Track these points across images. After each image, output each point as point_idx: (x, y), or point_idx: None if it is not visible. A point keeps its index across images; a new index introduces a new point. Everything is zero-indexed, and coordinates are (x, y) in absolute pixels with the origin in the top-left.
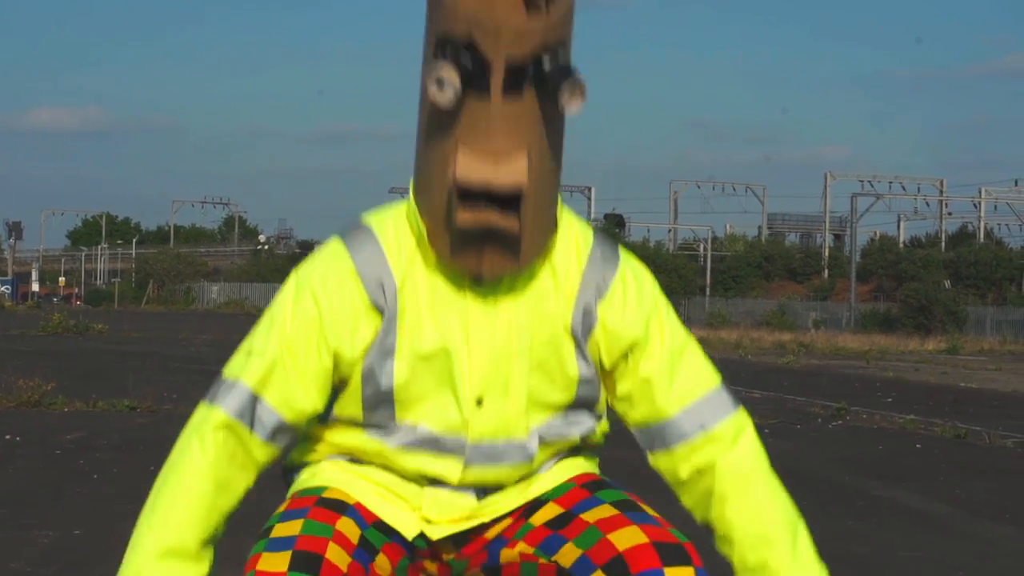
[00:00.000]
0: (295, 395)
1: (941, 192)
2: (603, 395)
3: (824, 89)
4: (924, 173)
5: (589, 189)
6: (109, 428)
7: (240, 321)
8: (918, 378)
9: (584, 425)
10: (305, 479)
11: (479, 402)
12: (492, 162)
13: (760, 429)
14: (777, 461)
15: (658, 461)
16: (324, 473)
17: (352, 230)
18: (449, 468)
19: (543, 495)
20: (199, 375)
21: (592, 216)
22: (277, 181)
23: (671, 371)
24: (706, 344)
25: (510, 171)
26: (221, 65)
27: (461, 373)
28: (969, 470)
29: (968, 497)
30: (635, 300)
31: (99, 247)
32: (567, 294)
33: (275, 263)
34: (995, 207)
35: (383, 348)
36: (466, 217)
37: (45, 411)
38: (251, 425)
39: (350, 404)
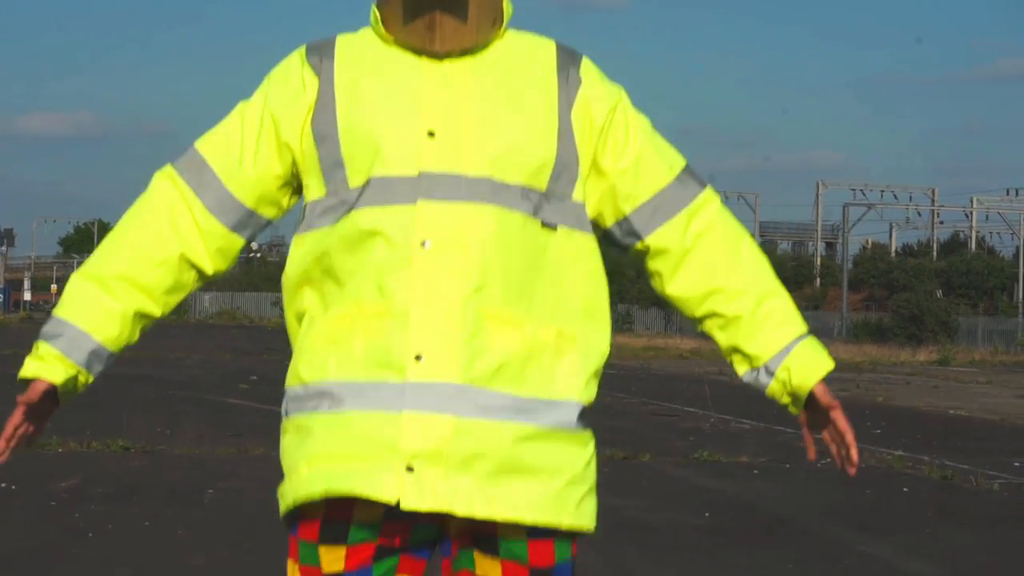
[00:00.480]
0: (237, 160)
1: (933, 201)
2: (584, 191)
3: (817, 94)
4: (916, 178)
5: None
6: (104, 473)
7: (232, 335)
8: (908, 402)
9: (557, 215)
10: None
11: (431, 134)
12: None
13: (749, 470)
14: (766, 510)
15: (659, 238)
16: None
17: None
18: (402, 217)
19: (506, 541)
20: (191, 405)
21: None
22: None
23: (656, 146)
24: (699, 355)
25: None
26: (211, 69)
27: (412, 110)
28: (955, 519)
29: (953, 552)
30: (603, 79)
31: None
32: (543, 73)
33: (267, 271)
34: (986, 216)
35: (324, 108)
36: None
37: (40, 452)
38: (195, 187)
39: (312, 182)
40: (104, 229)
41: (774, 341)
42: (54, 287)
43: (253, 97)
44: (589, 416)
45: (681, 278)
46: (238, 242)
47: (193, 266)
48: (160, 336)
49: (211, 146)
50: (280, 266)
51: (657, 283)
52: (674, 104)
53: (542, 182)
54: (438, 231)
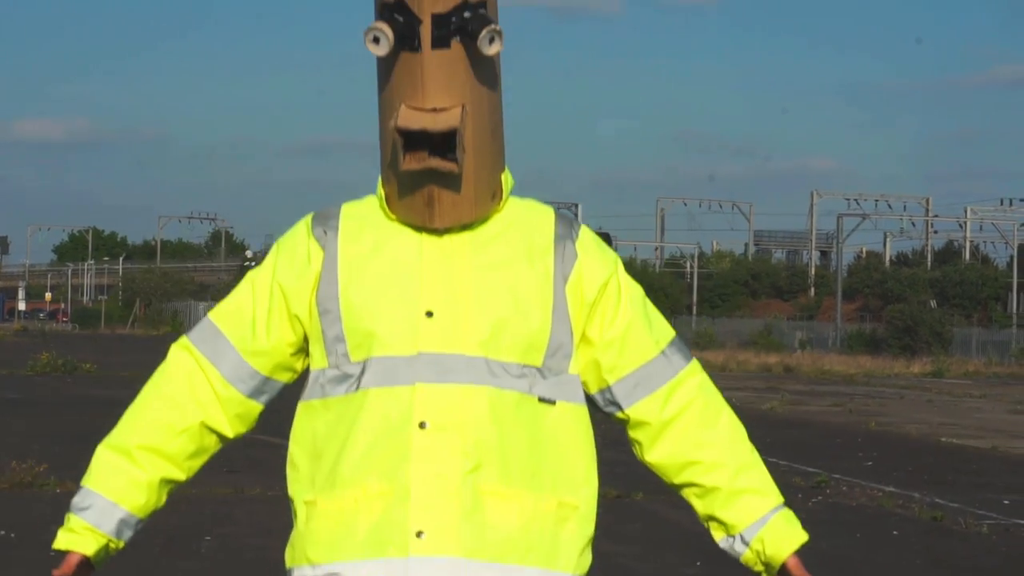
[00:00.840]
0: (250, 331)
1: (927, 211)
2: (579, 364)
3: (812, 100)
4: (911, 185)
5: (576, 206)
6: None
7: None
8: (901, 419)
9: (554, 390)
10: None
11: (429, 314)
12: (430, 112)
13: None
14: None
15: (639, 411)
16: None
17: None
18: (401, 399)
19: None
20: None
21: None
22: (262, 193)
23: (646, 319)
24: None
25: (445, 117)
26: (206, 76)
27: (411, 290)
28: (943, 567)
29: None
30: (601, 251)
31: (85, 263)
32: (541, 248)
33: None
34: (980, 227)
35: (328, 281)
36: (410, 161)
37: (38, 493)
38: (211, 357)
39: (316, 351)
40: (98, 237)
41: (750, 512)
42: (48, 295)
43: (263, 267)
44: None
45: (659, 449)
46: (256, 408)
47: (214, 431)
48: (156, 353)
49: (225, 317)
50: None
51: (637, 451)
52: (668, 111)
53: (537, 359)
54: (435, 412)
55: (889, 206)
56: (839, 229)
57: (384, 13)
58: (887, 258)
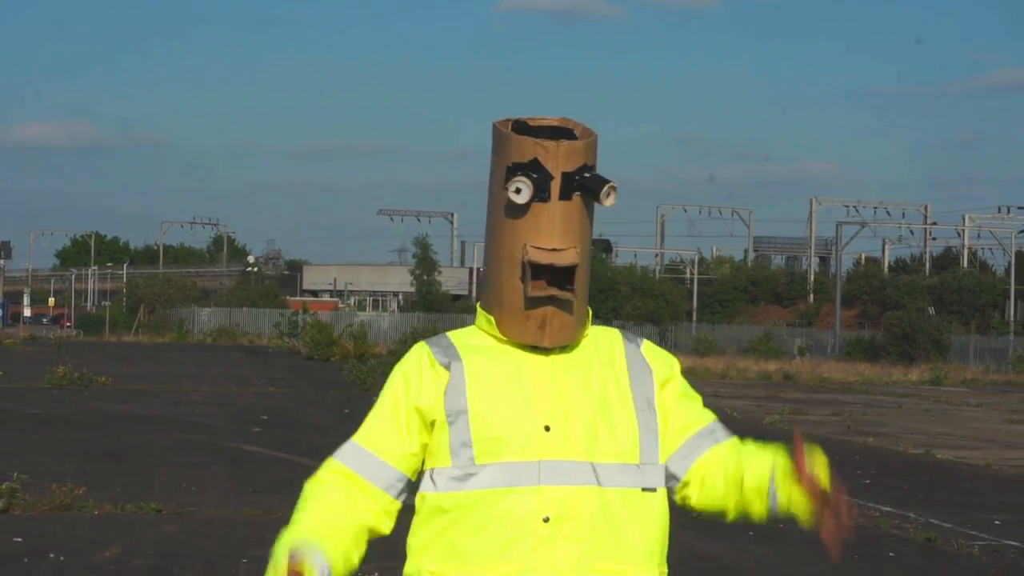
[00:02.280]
0: (390, 440)
1: (925, 218)
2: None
3: (812, 105)
4: (910, 189)
5: None
6: (142, 542)
7: (234, 359)
8: (899, 429)
9: (653, 479)
10: None
11: (547, 428)
12: (552, 251)
13: (745, 530)
14: None
15: (692, 472)
16: None
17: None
18: (527, 498)
19: None
20: (210, 455)
21: None
22: (264, 198)
23: (693, 402)
24: (692, 374)
25: (567, 255)
26: (207, 80)
27: (530, 406)
28: None
29: None
30: (661, 354)
31: (89, 269)
32: (619, 366)
33: (264, 287)
34: (978, 234)
35: (455, 396)
36: (535, 289)
37: (78, 515)
38: (359, 470)
39: (439, 451)
40: (101, 242)
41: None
42: (52, 300)
43: (394, 393)
44: None
45: (724, 496)
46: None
47: (372, 530)
48: (165, 363)
49: (367, 437)
50: (277, 279)
51: (687, 503)
52: (668, 115)
53: (635, 458)
54: (556, 509)
55: (888, 213)
56: (838, 236)
57: (519, 169)
58: (886, 265)
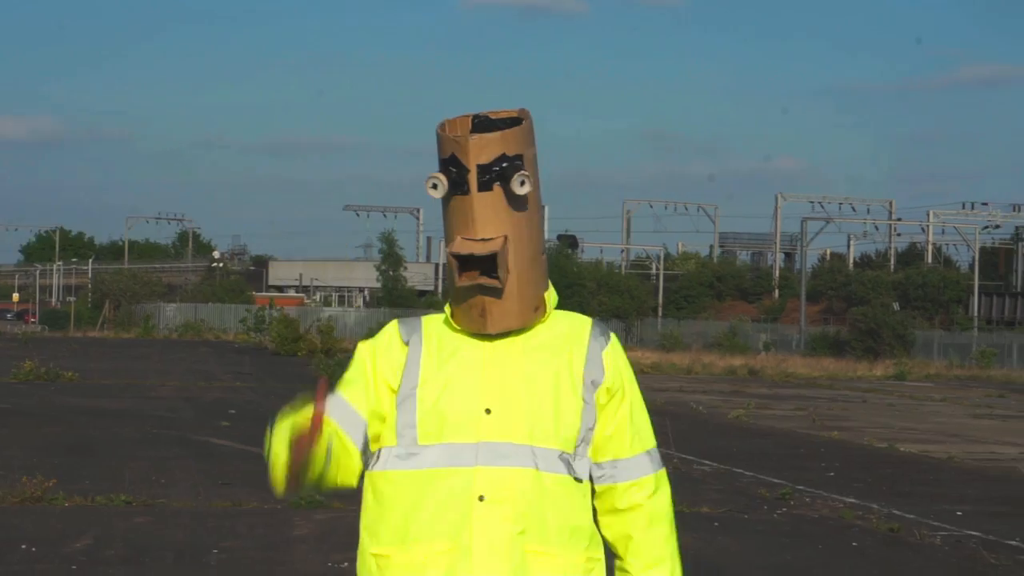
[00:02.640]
0: (361, 396)
1: (890, 214)
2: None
3: (777, 101)
4: (875, 187)
5: (543, 208)
6: (113, 533)
7: (201, 354)
8: (863, 424)
9: (582, 470)
10: None
11: (488, 411)
12: (479, 241)
13: (711, 522)
14: (723, 569)
15: (600, 496)
16: None
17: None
18: (464, 477)
19: None
20: (179, 448)
21: (545, 237)
22: (230, 194)
23: (632, 424)
24: (658, 369)
25: (489, 245)
26: (173, 76)
27: (473, 391)
28: None
29: None
30: (621, 362)
31: (54, 265)
32: (575, 354)
33: (229, 283)
34: (943, 230)
35: (409, 376)
36: (463, 279)
37: (48, 508)
38: (336, 418)
39: (387, 433)
40: (66, 237)
41: None
42: (16, 296)
43: (363, 360)
44: None
45: (606, 527)
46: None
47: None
48: (131, 358)
49: (346, 390)
50: (243, 275)
51: (596, 512)
52: (635, 110)
53: (571, 447)
54: (491, 489)
55: (853, 209)
56: (803, 232)
57: (441, 166)
58: (851, 260)
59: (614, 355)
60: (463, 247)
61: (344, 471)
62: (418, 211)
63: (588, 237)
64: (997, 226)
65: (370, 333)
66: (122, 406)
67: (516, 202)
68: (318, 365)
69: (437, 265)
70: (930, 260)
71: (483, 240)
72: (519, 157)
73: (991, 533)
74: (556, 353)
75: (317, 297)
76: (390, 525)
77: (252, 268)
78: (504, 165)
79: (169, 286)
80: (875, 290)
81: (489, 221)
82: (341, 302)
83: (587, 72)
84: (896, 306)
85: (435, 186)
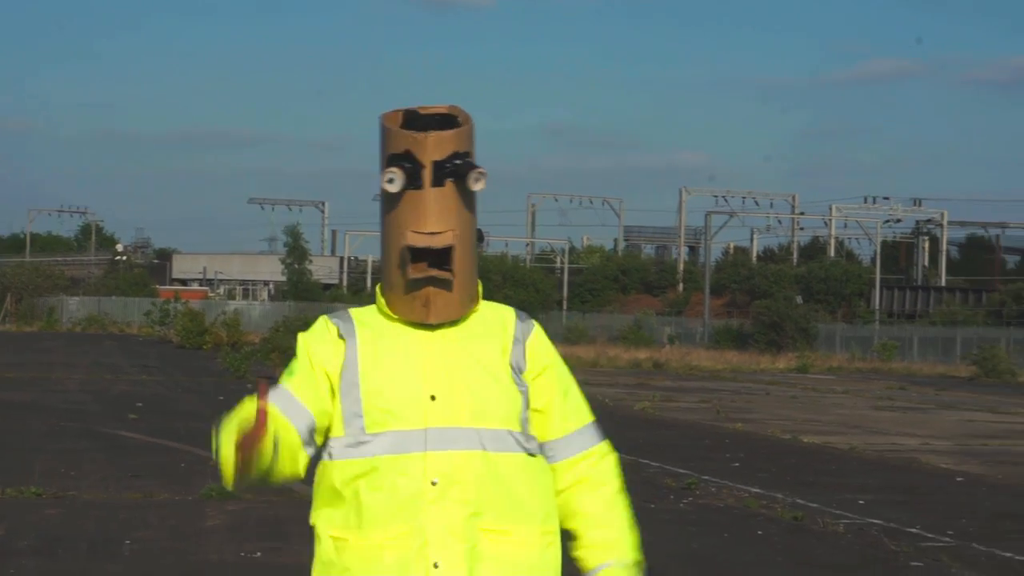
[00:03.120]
0: (307, 390)
1: (793, 208)
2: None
3: (681, 94)
4: (778, 181)
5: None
6: (25, 524)
7: (106, 348)
8: (767, 416)
9: (533, 445)
10: None
11: (432, 398)
12: (430, 234)
13: None
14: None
15: (555, 469)
16: None
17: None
18: (415, 463)
19: None
20: (87, 441)
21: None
22: (134, 186)
23: (566, 402)
24: (564, 363)
25: (442, 238)
26: (75, 67)
27: (417, 378)
28: (803, 566)
29: None
30: (544, 345)
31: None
32: (505, 340)
33: (133, 276)
34: (845, 224)
35: (350, 368)
36: (415, 271)
37: None
38: (281, 408)
39: (335, 423)
40: None
41: (595, 558)
42: None
43: (306, 358)
44: None
45: (559, 507)
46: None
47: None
48: (35, 351)
49: (292, 383)
50: (147, 268)
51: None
52: (539, 104)
53: (518, 426)
54: (443, 473)
55: (756, 203)
56: (707, 226)
57: (394, 160)
58: (754, 254)
59: (537, 340)
60: (417, 240)
61: (291, 463)
62: (323, 204)
63: (493, 231)
64: (898, 220)
65: (276, 326)
66: (28, 399)
67: (466, 198)
68: (225, 358)
69: (342, 258)
70: (832, 254)
71: (433, 234)
72: (468, 154)
73: (892, 521)
74: (490, 340)
75: (221, 290)
76: (344, 511)
77: (156, 261)
78: (458, 162)
79: (72, 279)
80: (778, 283)
81: (440, 216)
82: (246, 295)
83: (492, 65)
84: (799, 299)
85: (391, 180)
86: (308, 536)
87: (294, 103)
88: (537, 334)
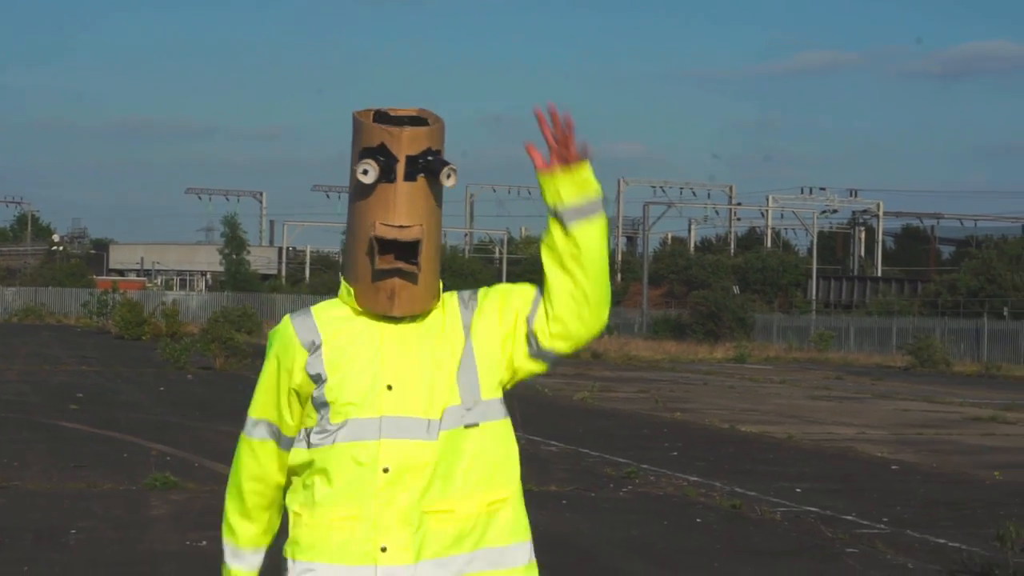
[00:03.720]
0: (275, 410)
1: (730, 199)
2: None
3: (618, 85)
4: (715, 170)
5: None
6: None
7: (44, 338)
8: (704, 405)
9: (476, 415)
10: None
11: (389, 387)
12: (398, 227)
13: (558, 499)
14: (576, 545)
15: (538, 318)
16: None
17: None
18: (369, 450)
19: None
20: (28, 431)
21: None
22: (70, 176)
23: (511, 291)
24: None
25: (411, 231)
26: (10, 55)
27: (376, 369)
28: (742, 552)
29: None
30: (480, 295)
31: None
32: (453, 327)
33: (70, 267)
34: (781, 214)
35: (315, 365)
36: (383, 262)
37: None
38: (259, 437)
39: (308, 412)
40: None
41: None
42: None
43: (271, 372)
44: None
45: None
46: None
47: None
48: None
49: (260, 409)
50: (83, 258)
51: (543, 324)
52: (476, 94)
53: (456, 400)
54: (394, 461)
55: (694, 194)
56: (645, 216)
57: (368, 153)
58: (692, 245)
59: (478, 296)
60: (387, 232)
61: (281, 470)
62: (261, 195)
63: None
64: (835, 211)
65: (214, 316)
66: None
67: (435, 194)
68: (165, 349)
69: (280, 249)
70: (769, 244)
71: (402, 227)
72: (439, 152)
73: (828, 508)
74: (443, 332)
75: (158, 281)
76: (304, 492)
77: (92, 252)
78: (430, 158)
79: (8, 270)
80: (715, 274)
81: (409, 209)
82: (183, 286)
83: (430, 56)
84: (736, 290)
85: (366, 172)
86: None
87: (231, 94)
88: (479, 294)
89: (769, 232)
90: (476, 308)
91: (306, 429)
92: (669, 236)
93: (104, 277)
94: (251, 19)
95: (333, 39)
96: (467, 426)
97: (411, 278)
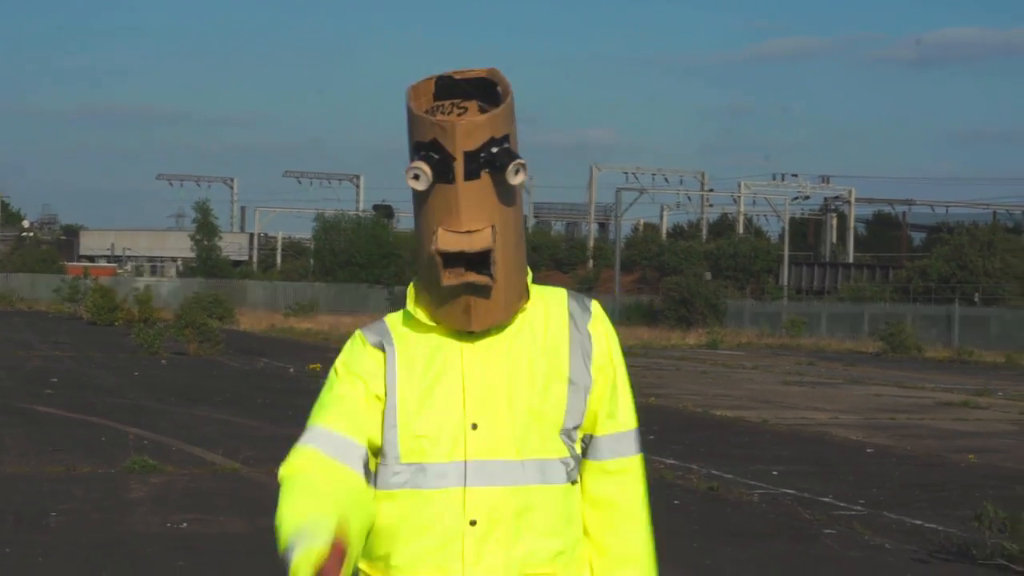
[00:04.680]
0: (352, 420)
1: (702, 185)
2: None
3: (590, 71)
4: (688, 159)
5: (358, 177)
6: None
7: (15, 324)
8: (678, 390)
9: (577, 470)
10: None
11: (474, 426)
12: (465, 234)
13: None
14: None
15: (583, 467)
16: None
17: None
18: (453, 500)
19: None
20: (4, 415)
21: (360, 207)
22: (40, 161)
23: (612, 400)
24: None
25: (479, 238)
26: None
27: (457, 403)
28: (720, 533)
29: (718, 568)
30: (603, 330)
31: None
32: (557, 336)
33: (41, 253)
34: (753, 201)
35: (389, 388)
36: (450, 278)
37: None
38: (335, 455)
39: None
40: None
41: None
42: None
43: (345, 380)
44: None
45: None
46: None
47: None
48: None
49: (334, 420)
50: (54, 244)
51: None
52: None
53: (564, 452)
54: (483, 511)
55: (666, 180)
56: (617, 202)
57: (420, 152)
58: (664, 231)
59: (597, 325)
60: (450, 242)
61: (366, 515)
62: (232, 180)
63: (404, 207)
64: (807, 197)
65: (186, 302)
66: None
67: (504, 189)
68: (138, 334)
69: (252, 235)
70: (741, 230)
71: (469, 232)
72: (506, 139)
73: (805, 491)
74: (535, 341)
75: (129, 267)
76: (373, 546)
77: (63, 238)
78: (494, 151)
79: None
80: (688, 260)
81: (475, 211)
82: (154, 272)
83: (397, 42)
84: (708, 276)
85: (417, 177)
86: None
87: (203, 78)
88: (597, 319)
89: (741, 218)
90: (591, 340)
91: (379, 466)
92: (641, 222)
93: (75, 263)
94: (224, 4)
95: (298, 24)
96: (572, 483)
97: (484, 292)
